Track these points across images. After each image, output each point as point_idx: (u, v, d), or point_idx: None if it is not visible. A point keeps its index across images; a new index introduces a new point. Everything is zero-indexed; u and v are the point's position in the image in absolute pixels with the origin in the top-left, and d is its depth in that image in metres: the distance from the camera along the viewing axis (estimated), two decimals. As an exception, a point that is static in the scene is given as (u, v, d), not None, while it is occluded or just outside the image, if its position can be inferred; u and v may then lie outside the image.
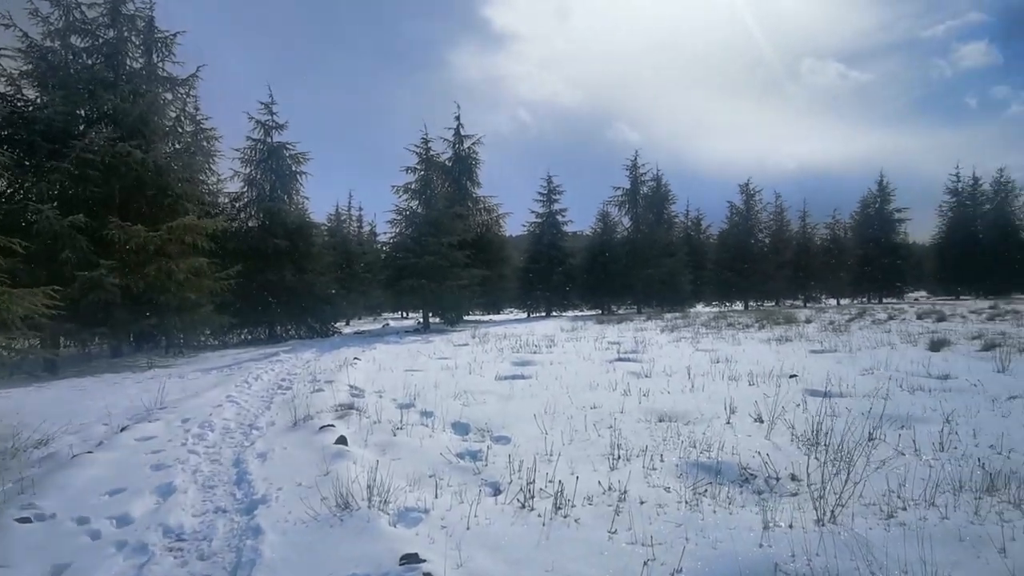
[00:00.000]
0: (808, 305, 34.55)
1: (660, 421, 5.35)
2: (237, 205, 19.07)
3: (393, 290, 20.95)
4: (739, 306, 33.99)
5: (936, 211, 40.86)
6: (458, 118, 28.71)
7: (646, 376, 7.84)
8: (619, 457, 4.28)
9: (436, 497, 3.61)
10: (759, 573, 2.56)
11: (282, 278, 17.61)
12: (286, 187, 19.44)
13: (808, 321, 17.65)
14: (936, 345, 10.30)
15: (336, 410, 6.09)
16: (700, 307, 34.27)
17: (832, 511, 3.12)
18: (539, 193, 31.03)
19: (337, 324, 22.06)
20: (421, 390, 7.16)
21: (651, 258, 29.53)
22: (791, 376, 7.52)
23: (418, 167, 23.30)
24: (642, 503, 3.41)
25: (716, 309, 32.00)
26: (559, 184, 30.92)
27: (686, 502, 3.39)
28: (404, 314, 36.98)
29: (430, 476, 4.01)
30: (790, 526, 3.04)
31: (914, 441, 4.45)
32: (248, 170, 19.13)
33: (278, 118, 19.38)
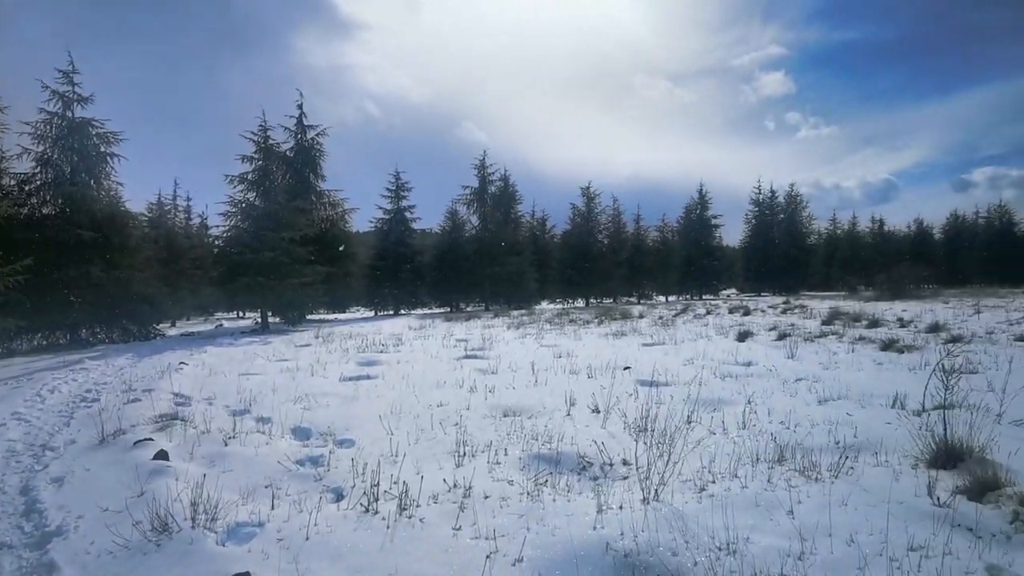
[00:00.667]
0: (642, 302, 37.62)
1: (505, 416, 5.51)
2: (27, 188, 16.22)
3: (227, 288, 19.25)
4: (581, 303, 36.07)
5: (743, 218, 46.77)
6: (300, 106, 27.22)
7: (493, 372, 8.02)
8: (464, 454, 4.33)
9: (272, 509, 3.39)
10: (593, 553, 2.74)
11: (87, 274, 15.30)
12: (92, 170, 16.93)
13: (641, 316, 19.23)
14: (742, 336, 11.77)
15: (156, 421, 5.47)
16: (545, 304, 35.87)
17: (656, 490, 3.43)
18: (387, 189, 30.41)
19: (160, 326, 19.74)
20: (258, 395, 6.68)
21: (499, 256, 30.29)
22: (625, 368, 8.14)
23: (256, 156, 21.64)
24: (486, 498, 3.49)
25: (560, 306, 33.69)
26: (408, 180, 30.56)
27: (528, 493, 3.52)
28: (240, 314, 34.24)
29: (266, 486, 3.75)
30: (620, 507, 3.28)
31: (723, 422, 5.04)
32: (42, 148, 16.36)
33: (81, 90, 16.84)
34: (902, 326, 13.16)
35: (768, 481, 3.61)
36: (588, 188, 37.49)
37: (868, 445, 4.27)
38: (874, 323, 13.73)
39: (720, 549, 2.75)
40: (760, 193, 45.97)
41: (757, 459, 4.03)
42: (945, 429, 3.88)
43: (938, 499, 3.21)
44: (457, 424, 5.19)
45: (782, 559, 2.63)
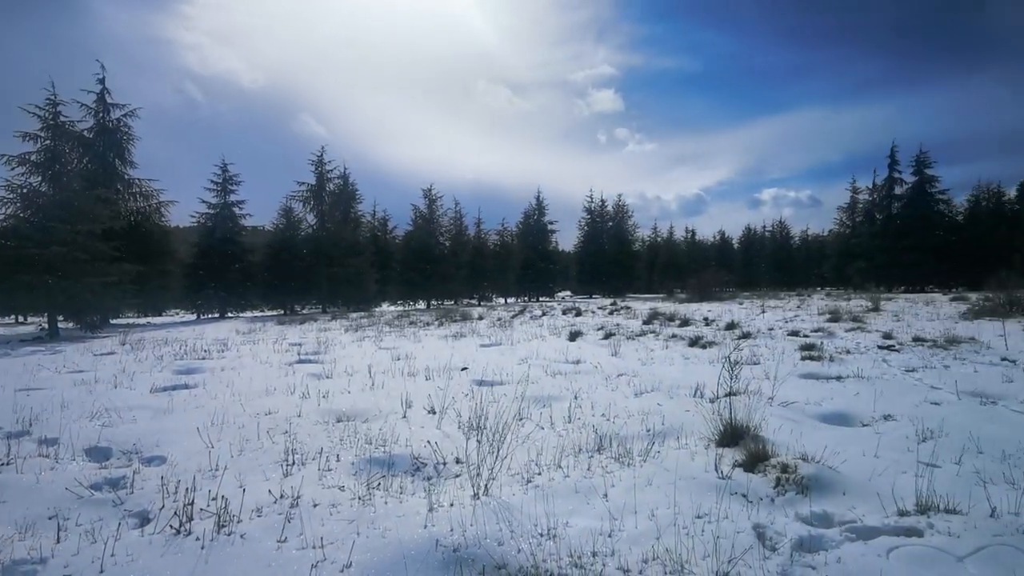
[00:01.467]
0: (482, 304, 38.51)
1: (339, 421, 5.36)
2: None
3: (3, 288, 16.32)
4: (422, 305, 36.03)
5: (577, 225, 50.02)
6: (102, 81, 23.99)
7: (327, 377, 7.75)
8: (293, 463, 4.15)
9: (58, 542, 2.98)
10: (422, 551, 2.79)
11: None
12: None
13: (481, 318, 19.70)
14: (573, 336, 12.58)
15: (-103, 452, 4.50)
16: (386, 306, 35.29)
17: (486, 485, 3.57)
18: (212, 181, 27.93)
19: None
20: (41, 413, 5.77)
21: (337, 257, 29.21)
22: (462, 369, 8.31)
23: (42, 134, 18.62)
24: (315, 506, 3.38)
25: (401, 308, 33.34)
26: (237, 173, 28.36)
27: (359, 498, 3.48)
28: (21, 318, 29.17)
29: (51, 517, 3.28)
30: (451, 504, 3.37)
31: (551, 417, 5.38)
32: None
33: None
34: (707, 325, 14.95)
35: (588, 469, 3.93)
36: (430, 190, 37.62)
37: (672, 431, 4.82)
38: (685, 322, 15.45)
39: (542, 535, 2.95)
40: (592, 202, 49.56)
41: (580, 450, 4.36)
42: (730, 413, 4.51)
43: (722, 472, 3.74)
44: (287, 432, 4.95)
45: (595, 538, 2.90)
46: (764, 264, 55.53)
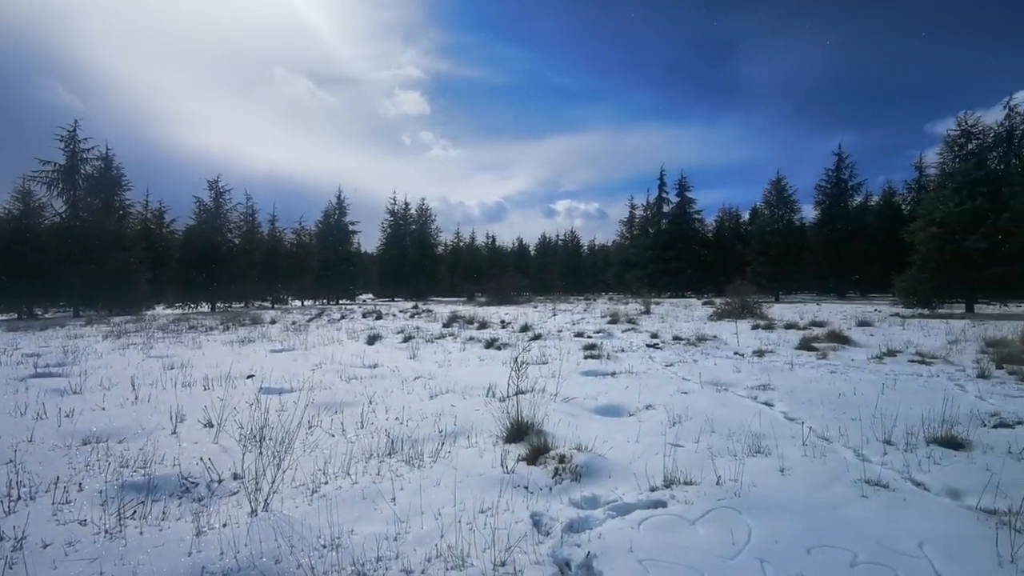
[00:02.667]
0: (276, 306, 35.91)
1: (86, 444, 4.57)
2: None
3: None
4: (206, 308, 32.43)
5: (380, 226, 49.13)
6: None
7: (75, 392, 6.58)
8: (19, 497, 3.45)
9: None
10: (184, 583, 2.50)
11: None
12: None
13: (273, 322, 18.35)
14: (372, 340, 12.33)
15: None
16: (161, 309, 31.13)
17: (266, 500, 3.33)
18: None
19: None
20: None
21: (96, 251, 25.00)
22: (248, 376, 7.66)
23: None
24: (46, 547, 2.84)
25: (180, 311, 29.70)
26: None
27: (107, 532, 3.00)
28: None
29: None
30: (224, 525, 3.08)
31: (343, 423, 5.20)
32: None
33: None
34: (503, 327, 15.70)
35: (378, 474, 3.87)
36: (217, 181, 34.08)
37: (464, 431, 4.96)
38: (483, 325, 16.05)
39: (325, 546, 2.84)
40: (396, 204, 49.14)
41: (370, 455, 4.28)
42: (517, 411, 4.79)
43: (507, 467, 3.95)
44: (10, 462, 4.09)
45: (380, 543, 2.86)
46: (557, 270, 60.10)
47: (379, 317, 20.41)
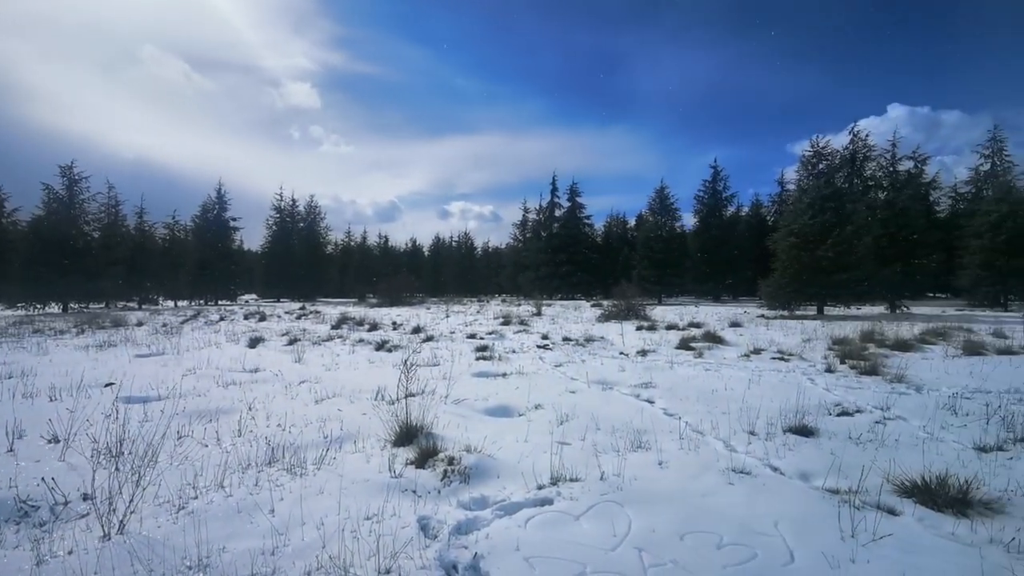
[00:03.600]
0: (144, 307, 32.86)
1: None
2: None
3: None
4: (57, 308, 28.98)
5: (265, 223, 46.36)
6: None
7: None
8: None
9: None
10: (17, 619, 2.20)
11: None
12: None
13: (140, 324, 16.79)
14: (253, 343, 11.63)
15: None
16: (0, 310, 27.47)
17: (122, 521, 3.02)
18: None
19: None
20: None
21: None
22: (107, 385, 6.94)
23: None
24: None
25: (23, 312, 26.37)
26: None
27: (-81, 566, 2.59)
28: None
29: None
30: (70, 552, 2.76)
31: (217, 432, 4.85)
32: None
33: None
34: (395, 329, 15.40)
35: (255, 485, 3.64)
36: (71, 167, 30.57)
37: (350, 436, 4.79)
38: (374, 326, 15.64)
39: (190, 568, 2.62)
40: (283, 200, 46.61)
41: (248, 465, 4.02)
42: (406, 414, 4.70)
43: (395, 472, 3.86)
44: None
45: (255, 559, 2.69)
46: (451, 272, 59.89)
47: (263, 319, 19.29)
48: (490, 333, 13.84)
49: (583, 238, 47.02)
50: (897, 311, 22.32)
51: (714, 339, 11.60)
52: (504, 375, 7.87)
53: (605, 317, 18.46)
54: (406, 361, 5.26)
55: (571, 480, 3.70)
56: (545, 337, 12.76)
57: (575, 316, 20.40)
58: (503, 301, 37.24)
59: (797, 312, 21.89)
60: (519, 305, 29.16)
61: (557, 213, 48.67)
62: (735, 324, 15.73)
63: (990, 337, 11.41)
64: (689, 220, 41.43)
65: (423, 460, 4.05)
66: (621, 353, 10.11)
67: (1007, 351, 9.73)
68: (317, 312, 22.76)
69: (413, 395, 6.04)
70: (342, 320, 17.14)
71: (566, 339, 12.30)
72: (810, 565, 2.65)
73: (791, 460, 4.13)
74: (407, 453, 4.26)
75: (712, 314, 20.42)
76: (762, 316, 20.09)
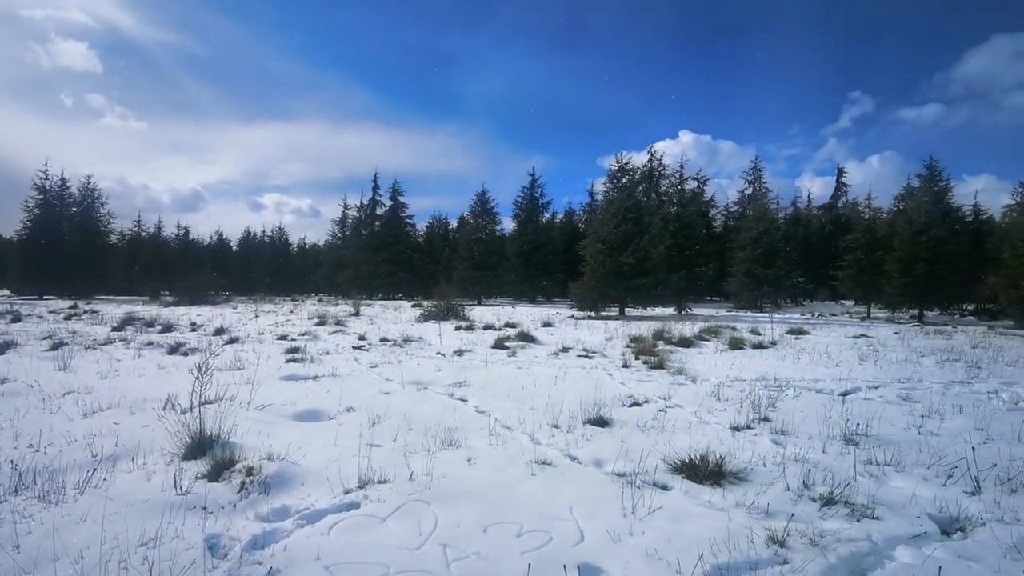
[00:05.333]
0: None
1: None
2: None
3: None
4: None
5: (23, 206, 38.73)
6: None
7: None
8: None
9: None
10: None
11: None
12: None
13: None
14: (2, 348, 9.69)
15: None
16: None
17: None
18: None
19: None
20: None
21: None
22: None
23: None
24: None
25: None
26: None
27: None
28: None
29: None
30: None
31: (-58, 458, 3.96)
32: None
33: None
34: (193, 330, 13.89)
35: (-7, 518, 3.04)
36: None
37: (128, 452, 4.22)
38: (168, 328, 13.95)
39: None
40: (48, 179, 39.35)
41: (-15, 495, 3.34)
42: (200, 423, 4.26)
43: (181, 488, 3.48)
44: None
45: (-13, 607, 2.24)
46: (263, 269, 55.47)
47: (17, 319, 16.16)
48: (303, 334, 13.12)
49: (405, 238, 46.69)
50: (683, 312, 25.52)
51: (527, 338, 12.24)
52: (316, 377, 7.51)
53: (425, 317, 18.52)
54: (201, 365, 4.76)
55: (380, 482, 3.65)
56: (362, 338, 12.43)
57: (395, 316, 20.18)
58: (320, 301, 35.58)
59: (602, 313, 23.96)
60: (337, 305, 28.08)
61: (379, 211, 47.76)
62: (547, 324, 16.75)
63: (748, 334, 13.56)
64: (508, 224, 43.17)
65: (217, 472, 3.71)
66: (438, 353, 10.21)
67: (759, 346, 11.64)
68: (94, 312, 19.72)
69: (210, 402, 5.51)
70: (127, 321, 15.02)
71: (384, 340, 12.11)
72: (597, 542, 2.92)
73: (588, 449, 4.51)
74: (199, 466, 3.86)
75: (527, 315, 21.52)
76: (572, 317, 21.66)
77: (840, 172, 50.70)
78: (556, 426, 5.20)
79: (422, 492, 3.52)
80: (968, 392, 7.05)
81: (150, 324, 14.64)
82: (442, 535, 2.98)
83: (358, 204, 50.46)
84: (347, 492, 3.51)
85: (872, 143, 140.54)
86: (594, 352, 10.46)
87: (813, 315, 25.26)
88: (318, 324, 15.82)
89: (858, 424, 5.18)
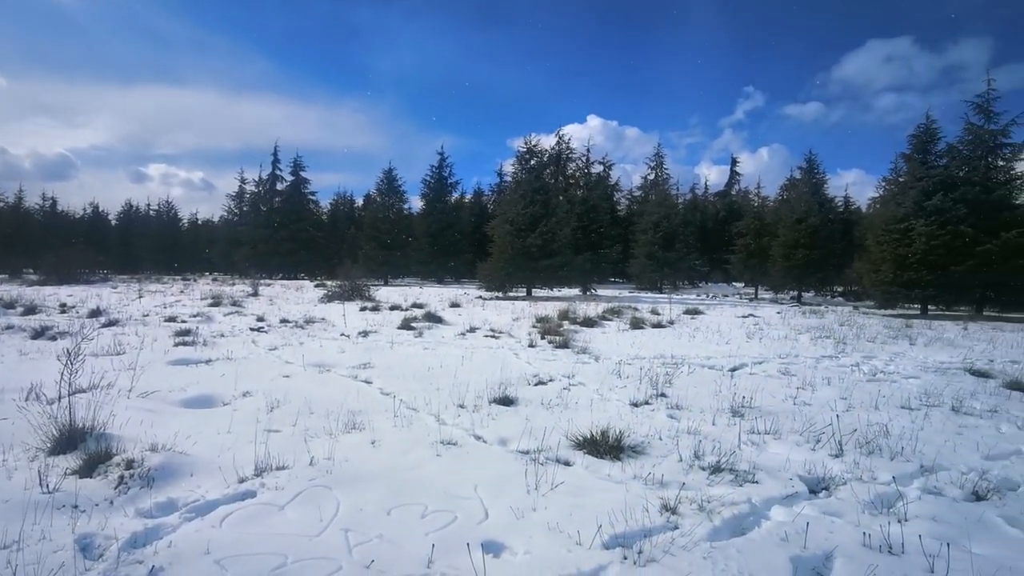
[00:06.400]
0: None
1: None
2: None
3: None
4: None
5: None
6: None
7: None
8: None
9: None
10: None
11: None
12: None
13: None
14: None
15: None
16: None
17: None
18: None
19: None
20: None
21: None
22: None
23: None
24: None
25: None
26: None
27: None
28: None
29: None
30: None
31: None
32: None
33: None
34: (63, 312, 12.62)
35: None
36: None
37: (-17, 447, 3.77)
38: (31, 309, 12.57)
39: None
40: None
41: None
42: (70, 414, 3.88)
43: (48, 486, 3.15)
44: None
45: None
46: (148, 246, 51.04)
47: None
48: (195, 316, 12.28)
49: (308, 215, 44.80)
50: (588, 293, 26.31)
51: (434, 319, 12.14)
52: (209, 361, 7.06)
53: (329, 298, 17.90)
54: (70, 349, 4.30)
55: (278, 469, 3.50)
56: (261, 319, 11.83)
57: (296, 297, 19.37)
58: (214, 280, 33.49)
59: (510, 294, 24.22)
60: (233, 285, 26.54)
61: (279, 187, 45.44)
62: (455, 305, 16.71)
63: (649, 314, 14.21)
64: (417, 203, 42.45)
65: (91, 467, 3.40)
66: (342, 334, 9.91)
67: (659, 325, 12.24)
68: (-60, 291, 17.40)
69: (83, 390, 5.03)
70: (-19, 302, 13.36)
71: (284, 321, 11.59)
72: (501, 518, 2.96)
73: (493, 428, 4.55)
74: (68, 462, 3.52)
75: (435, 295, 21.37)
76: (480, 297, 21.73)
77: (734, 161, 54.13)
78: (462, 406, 5.21)
79: (323, 477, 3.41)
80: (836, 365, 7.78)
81: (9, 305, 13.13)
82: (344, 520, 2.90)
83: (257, 178, 47.53)
84: (242, 481, 3.33)
85: (763, 135, 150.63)
86: (501, 332, 10.55)
87: (708, 296, 26.90)
88: (212, 305, 14.86)
89: (744, 397, 5.58)
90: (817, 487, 3.53)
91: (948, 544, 2.69)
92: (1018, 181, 18.64)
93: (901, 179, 21.95)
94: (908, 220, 18.96)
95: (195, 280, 33.87)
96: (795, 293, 27.48)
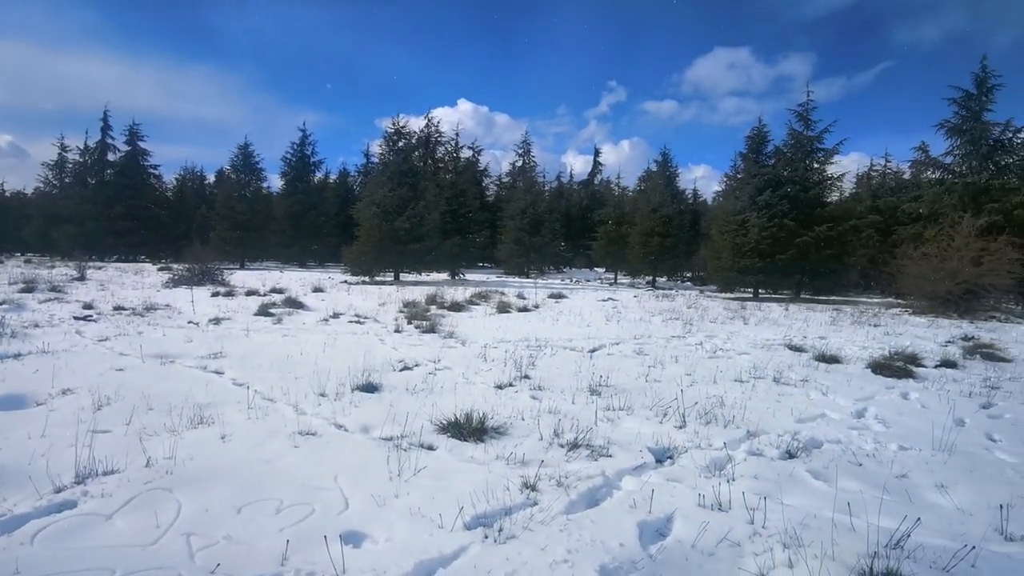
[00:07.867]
0: None
1: None
2: None
3: None
4: None
5: None
6: None
7: None
8: None
9: None
10: None
11: None
12: None
13: None
14: None
15: None
16: None
17: None
18: None
19: None
20: None
21: None
22: None
23: None
24: None
25: None
26: None
27: None
28: None
29: None
30: None
31: None
32: None
33: None
34: None
35: None
36: None
37: None
38: None
39: None
40: None
41: None
42: None
43: None
44: None
45: None
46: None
47: None
48: (1, 303, 10.59)
49: (148, 190, 40.25)
50: (456, 278, 26.36)
51: (295, 304, 11.52)
52: (18, 356, 6.12)
53: (175, 282, 16.30)
54: None
55: (105, 474, 3.13)
56: (88, 306, 10.47)
57: (135, 281, 17.44)
58: (28, 263, 29.17)
59: (377, 278, 23.61)
60: (53, 268, 23.27)
61: (111, 157, 40.21)
62: (318, 290, 15.97)
63: (515, 299, 14.55)
64: (276, 183, 39.78)
65: None
66: (190, 322, 9.08)
67: (524, 309, 12.58)
68: None
69: None
70: None
71: (119, 308, 10.37)
72: (362, 508, 2.88)
73: (355, 416, 4.41)
74: None
75: (297, 280, 20.28)
76: (345, 282, 20.96)
77: (597, 152, 56.77)
78: (323, 395, 5.00)
79: (162, 479, 3.11)
80: (683, 344, 8.50)
81: None
82: (186, 523, 2.66)
83: (82, 146, 41.68)
84: (59, 491, 2.93)
85: (624, 129, 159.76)
86: (366, 318, 10.26)
87: (571, 281, 28.11)
88: (24, 291, 12.88)
89: (601, 377, 5.91)
90: (663, 457, 3.83)
91: (765, 498, 3.05)
92: (828, 182, 21.48)
93: (739, 176, 24.38)
94: (744, 213, 21.11)
95: (3, 261, 29.26)
96: (650, 278, 29.58)
